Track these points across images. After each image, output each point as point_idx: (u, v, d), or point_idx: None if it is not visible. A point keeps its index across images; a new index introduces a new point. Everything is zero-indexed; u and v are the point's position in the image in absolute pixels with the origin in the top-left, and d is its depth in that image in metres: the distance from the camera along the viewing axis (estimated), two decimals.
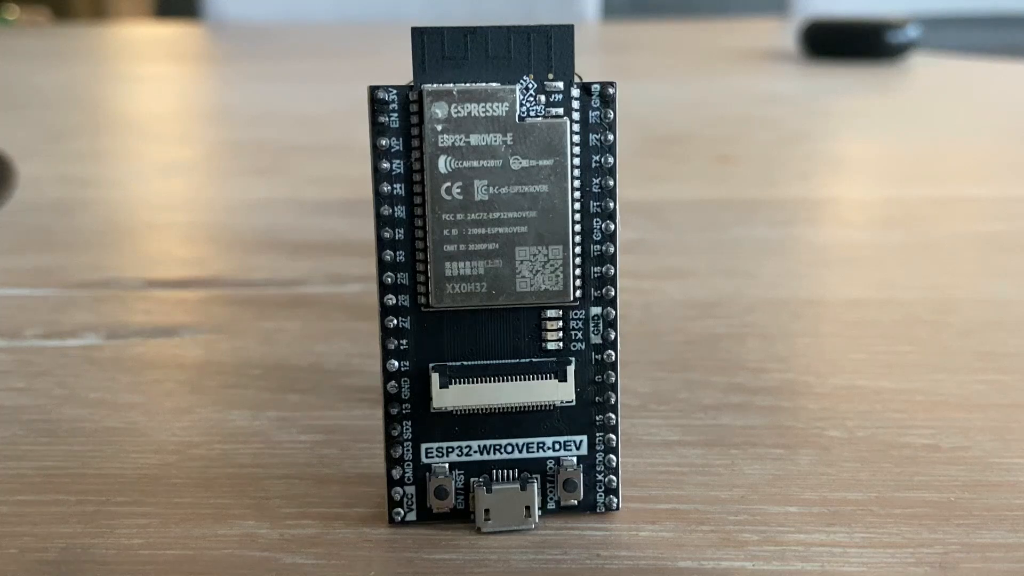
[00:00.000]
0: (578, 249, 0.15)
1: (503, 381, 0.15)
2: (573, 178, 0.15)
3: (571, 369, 0.15)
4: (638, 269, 0.28)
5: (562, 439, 0.16)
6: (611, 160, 0.15)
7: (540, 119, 0.15)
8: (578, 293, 0.15)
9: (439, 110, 0.14)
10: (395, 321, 0.15)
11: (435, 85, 0.15)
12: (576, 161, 0.15)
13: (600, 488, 0.16)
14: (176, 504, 0.17)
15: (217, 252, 0.30)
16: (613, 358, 0.16)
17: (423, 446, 0.16)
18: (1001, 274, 0.27)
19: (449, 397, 0.15)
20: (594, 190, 0.15)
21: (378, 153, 0.15)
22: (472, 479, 0.16)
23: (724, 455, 0.18)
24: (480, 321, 0.15)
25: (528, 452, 0.16)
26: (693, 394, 0.20)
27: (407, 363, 0.15)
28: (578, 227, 0.15)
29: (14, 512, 0.16)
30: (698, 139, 0.46)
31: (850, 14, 0.81)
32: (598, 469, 0.16)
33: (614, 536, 0.16)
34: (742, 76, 0.66)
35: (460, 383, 0.15)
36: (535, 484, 0.16)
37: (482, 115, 0.14)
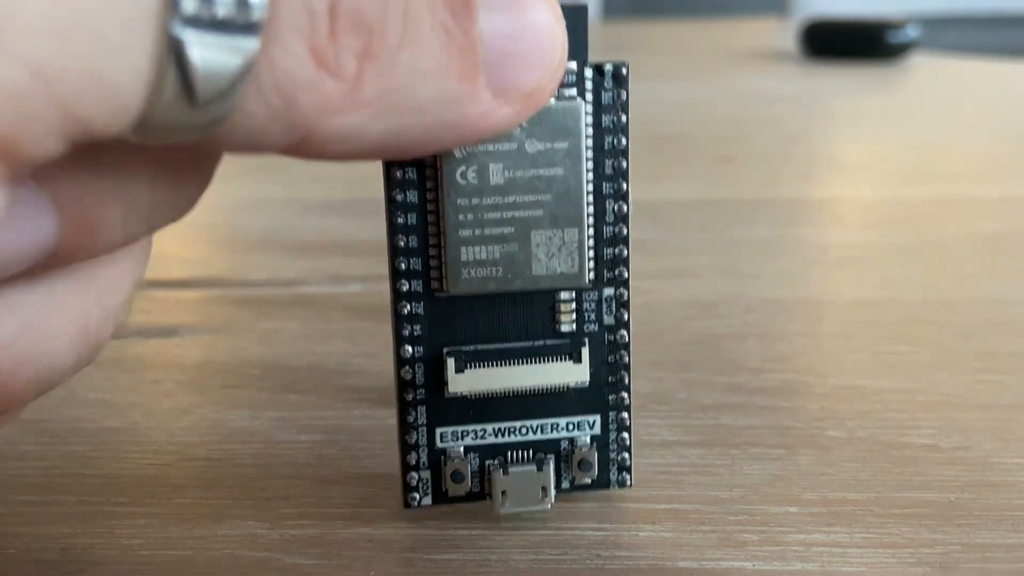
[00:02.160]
0: (591, 231, 0.15)
1: (518, 364, 0.15)
2: (587, 159, 0.15)
3: (585, 351, 0.15)
4: (638, 269, 0.28)
5: (576, 419, 0.16)
6: (624, 141, 0.15)
7: (555, 101, 0.15)
8: (591, 275, 0.15)
9: None
10: (408, 307, 0.15)
11: None
12: (589, 143, 0.15)
13: (613, 466, 0.16)
14: (176, 504, 0.17)
15: (217, 252, 0.30)
16: (626, 339, 0.16)
17: (438, 431, 0.16)
18: (1002, 274, 0.27)
19: (464, 382, 0.15)
20: (607, 171, 0.15)
21: None
22: (487, 461, 0.16)
23: (724, 455, 0.18)
24: (494, 305, 0.15)
25: (543, 433, 0.16)
26: (693, 394, 0.20)
27: (421, 349, 0.15)
28: (591, 208, 0.15)
29: (14, 512, 0.16)
30: (698, 139, 0.46)
31: (850, 14, 0.81)
32: (611, 448, 0.16)
33: (614, 536, 0.16)
34: (742, 76, 0.66)
35: (475, 367, 0.15)
36: (551, 464, 0.16)
37: None
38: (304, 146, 0.11)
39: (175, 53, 0.09)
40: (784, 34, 0.88)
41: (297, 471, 0.18)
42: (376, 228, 0.32)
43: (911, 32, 0.69)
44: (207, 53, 0.09)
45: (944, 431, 0.19)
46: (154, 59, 0.09)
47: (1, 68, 0.08)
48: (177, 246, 0.31)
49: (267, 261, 0.29)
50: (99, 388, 0.21)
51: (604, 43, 0.89)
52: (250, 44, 0.09)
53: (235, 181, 0.39)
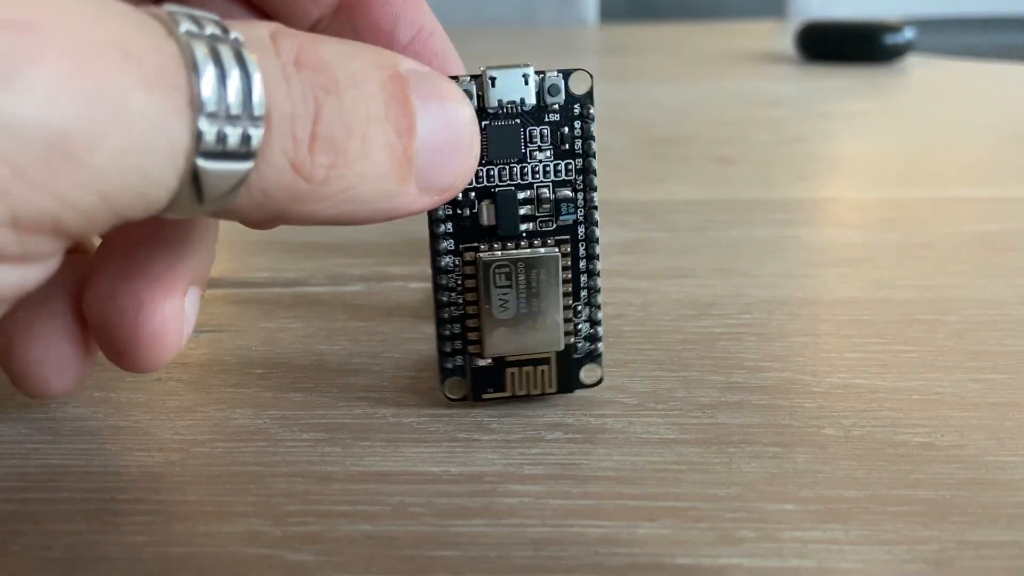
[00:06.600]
0: None
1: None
2: None
3: None
4: (637, 269, 0.28)
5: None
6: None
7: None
8: None
9: None
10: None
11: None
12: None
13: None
14: (179, 502, 0.17)
15: (219, 253, 0.30)
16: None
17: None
18: (996, 274, 0.27)
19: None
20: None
21: None
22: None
23: (722, 453, 0.18)
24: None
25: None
26: (691, 393, 0.20)
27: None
28: None
29: (19, 510, 0.17)
30: (697, 140, 0.46)
31: (847, 17, 0.81)
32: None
33: (612, 533, 0.16)
34: (740, 78, 0.66)
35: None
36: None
37: None
38: (276, 223, 0.15)
39: (194, 176, 0.12)
40: (781, 37, 0.88)
41: (299, 469, 0.18)
42: (376, 229, 0.32)
43: (907, 34, 0.69)
44: (215, 175, 0.13)
45: (939, 429, 0.19)
46: (180, 180, 0.12)
47: (80, 195, 0.11)
48: None
49: (269, 262, 0.29)
50: (103, 387, 0.21)
51: (603, 45, 0.89)
52: (247, 166, 0.13)
53: None
